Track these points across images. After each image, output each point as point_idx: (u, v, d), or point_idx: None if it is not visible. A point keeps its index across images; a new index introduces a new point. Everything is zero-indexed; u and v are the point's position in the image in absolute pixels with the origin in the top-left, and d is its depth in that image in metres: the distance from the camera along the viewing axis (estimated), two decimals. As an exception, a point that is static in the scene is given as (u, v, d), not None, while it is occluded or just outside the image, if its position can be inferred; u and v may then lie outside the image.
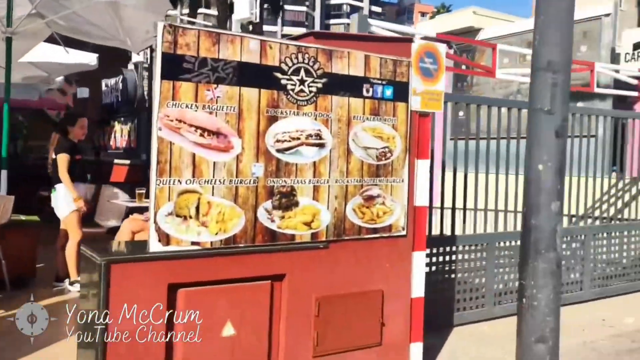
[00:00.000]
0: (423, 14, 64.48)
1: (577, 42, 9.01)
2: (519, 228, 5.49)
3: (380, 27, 4.38)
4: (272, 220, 2.86)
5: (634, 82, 6.62)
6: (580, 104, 8.76)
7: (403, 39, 3.63)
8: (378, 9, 67.63)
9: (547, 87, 2.22)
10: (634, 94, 6.60)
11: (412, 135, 3.38)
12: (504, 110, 5.34)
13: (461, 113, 6.69)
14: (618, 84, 7.26)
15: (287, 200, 2.90)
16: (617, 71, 7.12)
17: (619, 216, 6.97)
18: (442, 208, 5.23)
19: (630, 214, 7.01)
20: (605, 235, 6.14)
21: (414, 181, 3.42)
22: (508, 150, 5.31)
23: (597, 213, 6.74)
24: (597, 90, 5.89)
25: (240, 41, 2.74)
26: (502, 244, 5.18)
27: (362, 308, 3.21)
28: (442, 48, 3.51)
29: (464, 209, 5.02)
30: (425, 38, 4.40)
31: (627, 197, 7.31)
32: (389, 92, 3.26)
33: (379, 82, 3.21)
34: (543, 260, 2.24)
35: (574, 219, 6.14)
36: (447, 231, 5.12)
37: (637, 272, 6.40)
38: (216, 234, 2.69)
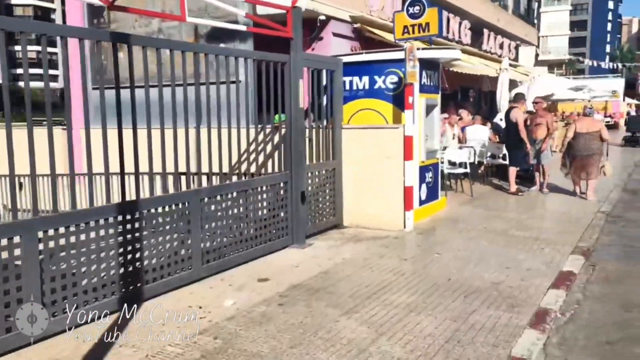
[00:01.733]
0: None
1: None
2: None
3: None
4: None
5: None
6: (222, 45, 7.87)
7: None
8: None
9: None
10: (242, 28, 5.83)
11: None
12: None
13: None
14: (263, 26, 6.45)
15: None
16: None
17: (262, 170, 6.28)
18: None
19: (275, 167, 6.39)
20: (220, 197, 5.18)
21: None
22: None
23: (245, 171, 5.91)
24: (188, 20, 4.76)
25: None
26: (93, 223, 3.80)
27: None
28: None
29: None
30: None
31: (268, 148, 6.70)
32: None
33: None
34: None
35: (216, 178, 5.12)
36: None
37: (260, 236, 5.70)
38: None
